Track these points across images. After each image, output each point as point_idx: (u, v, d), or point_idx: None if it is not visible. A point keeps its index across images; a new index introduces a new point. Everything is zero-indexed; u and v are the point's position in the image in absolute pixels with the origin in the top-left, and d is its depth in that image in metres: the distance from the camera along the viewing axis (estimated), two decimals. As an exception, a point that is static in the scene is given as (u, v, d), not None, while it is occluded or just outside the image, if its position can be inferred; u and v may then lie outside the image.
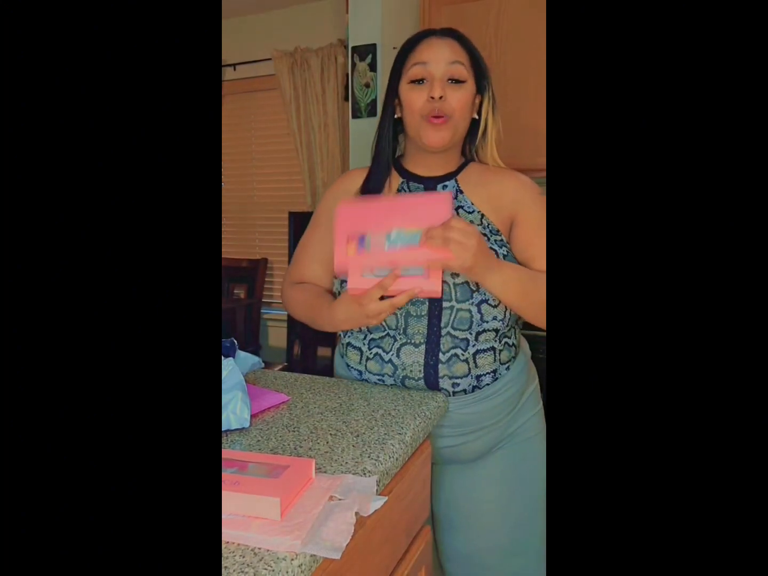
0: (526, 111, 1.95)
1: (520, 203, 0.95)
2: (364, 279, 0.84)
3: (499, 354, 0.93)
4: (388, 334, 0.92)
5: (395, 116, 0.99)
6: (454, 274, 0.89)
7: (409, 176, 1.01)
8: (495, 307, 0.89)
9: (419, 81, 0.93)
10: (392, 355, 0.92)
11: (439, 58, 0.93)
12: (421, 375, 0.91)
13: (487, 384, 0.92)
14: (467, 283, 0.88)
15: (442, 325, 0.89)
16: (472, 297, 0.88)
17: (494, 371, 0.93)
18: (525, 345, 1.04)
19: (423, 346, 0.90)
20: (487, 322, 0.90)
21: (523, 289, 0.87)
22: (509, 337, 0.95)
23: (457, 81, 0.93)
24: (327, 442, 0.70)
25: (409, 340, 0.91)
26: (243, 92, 3.29)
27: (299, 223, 2.99)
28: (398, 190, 1.00)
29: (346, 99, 2.55)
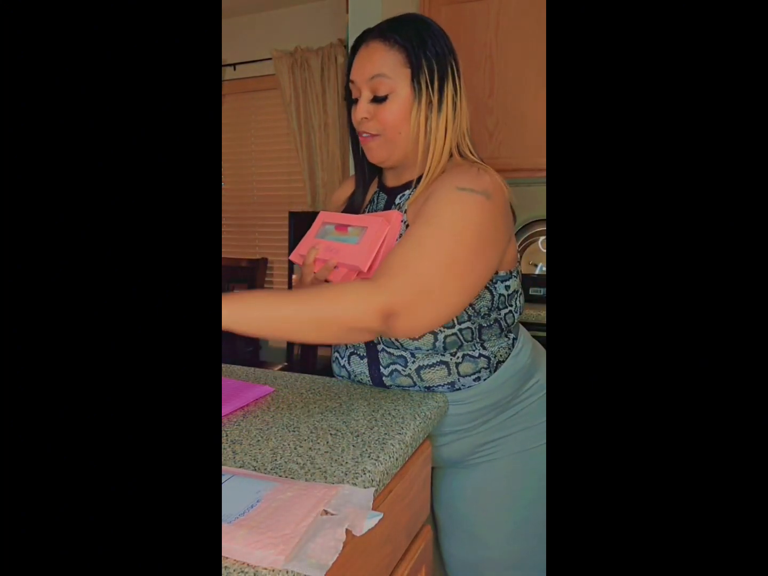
0: (527, 111, 1.95)
1: (429, 198, 0.84)
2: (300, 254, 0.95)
3: (457, 367, 0.87)
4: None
5: None
6: None
7: (381, 186, 0.99)
8: (415, 339, 0.85)
9: (355, 100, 0.90)
10: (345, 361, 0.95)
11: (361, 75, 0.87)
12: (370, 384, 0.92)
13: (442, 393, 0.88)
14: None
15: (375, 341, 0.89)
16: None
17: (451, 383, 0.88)
18: (523, 357, 0.93)
19: (366, 359, 0.91)
20: (410, 348, 0.86)
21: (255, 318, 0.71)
22: (474, 350, 0.88)
23: (378, 99, 0.86)
24: (327, 442, 0.70)
25: (355, 351, 0.93)
26: (243, 92, 3.29)
27: (299, 223, 2.99)
28: (370, 201, 0.99)
29: (346, 99, 2.55)
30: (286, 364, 2.94)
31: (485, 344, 0.89)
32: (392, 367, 0.89)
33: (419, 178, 0.90)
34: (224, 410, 0.80)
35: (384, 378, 0.90)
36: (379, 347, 0.89)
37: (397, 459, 0.68)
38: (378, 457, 0.66)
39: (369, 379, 0.92)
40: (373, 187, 1.00)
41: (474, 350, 0.88)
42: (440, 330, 0.85)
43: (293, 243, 3.04)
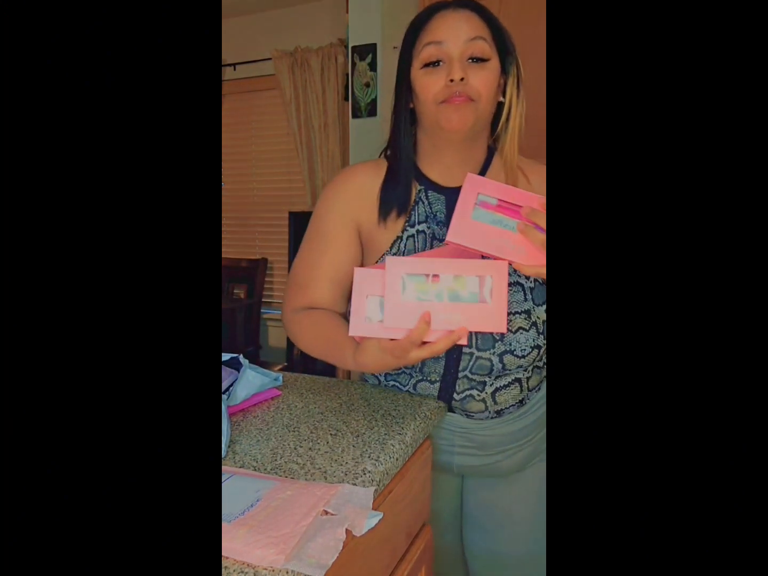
0: (527, 111, 1.95)
1: None
2: (367, 325, 0.69)
3: (527, 381, 0.86)
4: (404, 372, 0.88)
5: (410, 106, 0.85)
6: None
7: (427, 183, 0.87)
8: (522, 357, 0.82)
9: (434, 63, 0.79)
10: (409, 388, 0.88)
11: (456, 35, 0.78)
12: None
13: (511, 412, 0.87)
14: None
15: (460, 368, 0.84)
16: (494, 347, 0.81)
17: (520, 401, 0.87)
18: None
19: (438, 384, 0.85)
20: (510, 370, 0.83)
21: None
22: (540, 359, 0.86)
23: (479, 59, 0.78)
24: (327, 442, 0.70)
25: (424, 378, 0.86)
26: (243, 92, 3.29)
27: (299, 223, 2.99)
28: (415, 202, 0.86)
29: (346, 99, 2.56)
30: (286, 364, 2.94)
31: None
32: (468, 392, 0.84)
33: (482, 170, 0.86)
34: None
35: (454, 403, 0.86)
36: (461, 374, 0.83)
37: (397, 459, 0.68)
38: (378, 457, 0.66)
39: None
40: (413, 183, 0.87)
41: (541, 360, 0.87)
42: (543, 344, 0.83)
43: (293, 243, 3.04)
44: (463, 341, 0.68)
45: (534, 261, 0.68)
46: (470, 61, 0.78)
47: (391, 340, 0.69)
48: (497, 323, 0.66)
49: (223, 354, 0.82)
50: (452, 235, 0.69)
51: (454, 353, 0.83)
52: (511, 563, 0.97)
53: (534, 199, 0.69)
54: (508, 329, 0.80)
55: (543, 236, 0.66)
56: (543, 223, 0.67)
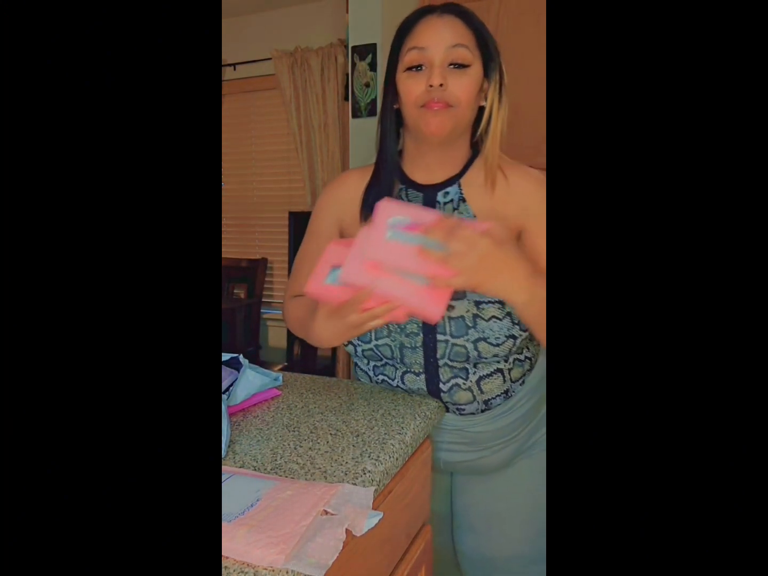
0: (526, 111, 1.95)
1: (529, 210, 0.84)
2: (325, 286, 0.74)
3: (509, 373, 0.87)
4: (387, 363, 0.90)
5: (395, 107, 0.88)
6: (450, 307, 0.82)
7: (408, 182, 0.90)
8: (497, 345, 0.82)
9: (417, 68, 0.82)
10: (398, 381, 0.90)
11: (438, 42, 0.81)
12: None
13: (498, 405, 0.88)
14: (463, 318, 0.82)
15: (438, 356, 0.85)
16: (467, 334, 0.82)
17: (506, 391, 0.88)
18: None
19: (423, 375, 0.87)
20: (486, 358, 0.84)
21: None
22: (521, 353, 0.88)
23: (459, 65, 0.81)
24: (327, 442, 0.70)
25: (408, 369, 0.88)
26: (243, 92, 3.29)
27: (299, 223, 2.99)
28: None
29: (346, 99, 2.56)
30: (286, 364, 2.94)
31: (529, 345, 0.90)
32: (453, 381, 0.86)
33: (464, 169, 0.88)
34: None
35: (442, 394, 0.87)
36: (441, 362, 0.85)
37: (397, 459, 0.68)
38: (378, 457, 0.66)
39: (426, 395, 0.89)
40: (395, 185, 0.91)
41: (522, 352, 0.88)
42: (519, 334, 0.84)
43: (293, 243, 3.04)
44: (399, 315, 0.71)
45: (440, 274, 0.68)
46: (451, 66, 0.81)
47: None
48: (434, 310, 0.69)
49: (223, 354, 0.82)
50: (372, 254, 0.70)
51: (429, 342, 0.85)
52: (499, 564, 0.98)
53: (436, 217, 0.70)
54: (480, 317, 0.82)
55: (440, 253, 0.67)
56: (439, 239, 0.67)
